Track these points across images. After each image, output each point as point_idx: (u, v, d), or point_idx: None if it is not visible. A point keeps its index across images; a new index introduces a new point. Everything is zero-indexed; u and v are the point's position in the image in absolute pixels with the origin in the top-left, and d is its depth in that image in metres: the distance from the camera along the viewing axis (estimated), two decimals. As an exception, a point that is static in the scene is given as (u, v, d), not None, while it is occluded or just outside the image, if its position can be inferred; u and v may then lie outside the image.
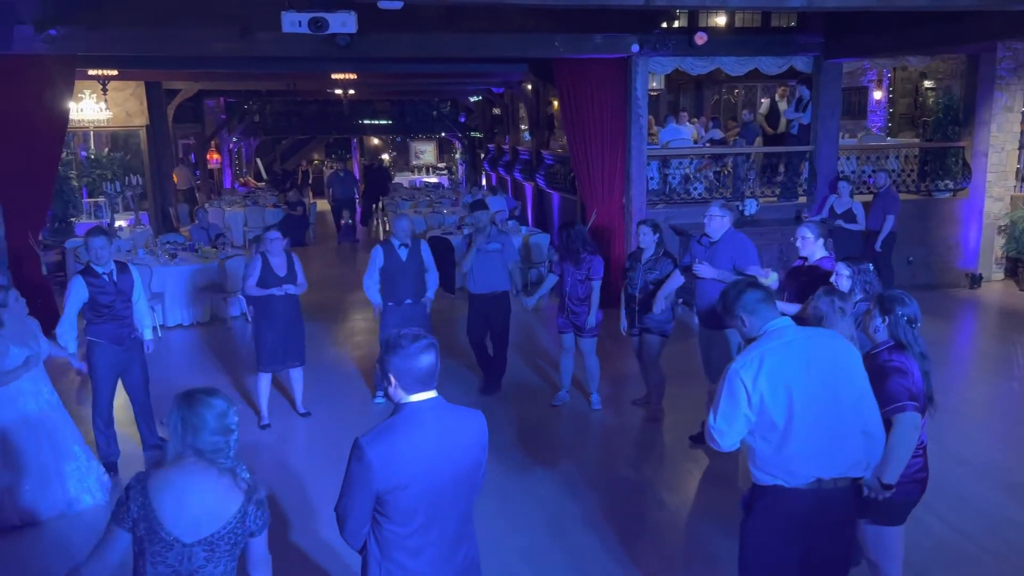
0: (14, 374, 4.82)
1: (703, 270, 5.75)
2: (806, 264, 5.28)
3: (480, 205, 7.30)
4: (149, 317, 6.00)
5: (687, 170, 11.04)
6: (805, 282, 5.04)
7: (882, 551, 3.62)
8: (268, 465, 5.87)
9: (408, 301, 6.83)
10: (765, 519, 3.13)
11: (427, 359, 2.56)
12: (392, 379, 2.57)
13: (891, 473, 3.34)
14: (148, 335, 5.89)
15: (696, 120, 14.82)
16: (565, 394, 6.96)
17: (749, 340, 3.16)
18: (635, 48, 9.55)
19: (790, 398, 2.99)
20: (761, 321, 3.10)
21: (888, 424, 3.30)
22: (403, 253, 6.82)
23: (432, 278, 6.98)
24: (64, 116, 9.27)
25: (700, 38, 9.37)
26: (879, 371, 3.41)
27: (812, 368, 3.03)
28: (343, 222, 17.34)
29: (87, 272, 5.55)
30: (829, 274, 5.01)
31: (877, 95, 15.69)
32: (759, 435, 3.05)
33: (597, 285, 6.49)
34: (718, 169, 11.25)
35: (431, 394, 2.60)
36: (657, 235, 6.25)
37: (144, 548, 2.40)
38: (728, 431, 3.05)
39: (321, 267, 14.07)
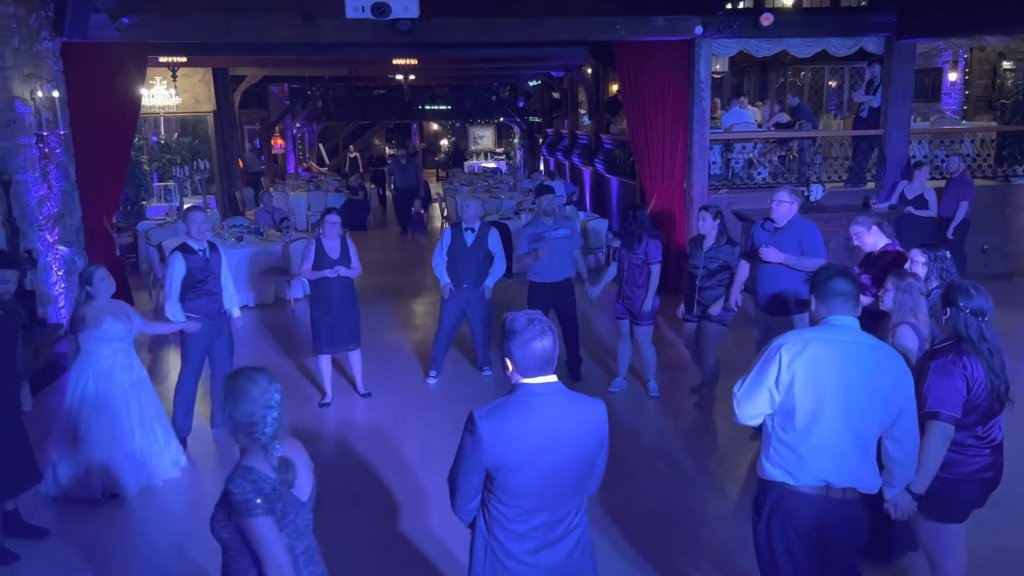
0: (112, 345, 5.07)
1: (771, 254, 5.61)
2: (872, 254, 5.14)
3: (546, 189, 7.26)
4: (235, 295, 6.19)
5: (751, 154, 10.82)
6: (877, 272, 4.91)
7: (939, 547, 3.52)
8: (330, 444, 6.00)
9: (465, 285, 6.90)
10: (772, 520, 3.06)
11: (543, 343, 2.51)
12: (509, 363, 2.56)
13: (919, 482, 3.24)
14: (236, 312, 6.11)
15: (760, 103, 14.51)
16: (622, 380, 6.93)
17: (813, 321, 3.12)
18: (699, 30, 9.38)
19: (820, 392, 2.91)
20: (827, 312, 3.04)
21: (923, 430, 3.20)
22: (469, 238, 6.91)
23: (497, 266, 7.03)
24: (137, 102, 9.55)
25: (766, 19, 9.15)
26: (931, 369, 3.31)
27: (853, 372, 2.93)
28: (413, 210, 16.26)
29: (184, 249, 5.76)
30: (898, 256, 4.88)
31: (952, 77, 15.11)
32: (779, 421, 2.99)
33: (655, 269, 6.40)
34: (783, 153, 11.00)
35: (550, 378, 2.56)
36: (718, 221, 6.13)
37: (281, 521, 2.54)
38: (746, 402, 3.02)
39: (382, 252, 14.27)
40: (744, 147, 10.83)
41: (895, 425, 3.01)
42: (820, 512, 2.97)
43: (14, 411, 4.54)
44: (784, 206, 5.68)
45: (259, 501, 2.43)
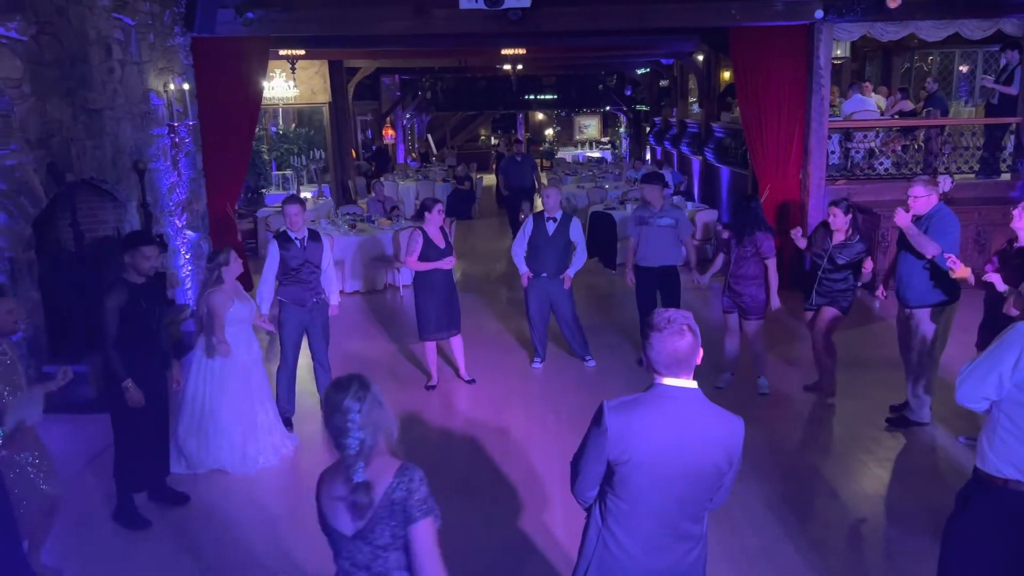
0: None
1: (900, 217, 5.38)
2: (1015, 247, 4.81)
3: (656, 177, 7.19)
4: (336, 283, 6.38)
5: (872, 144, 10.33)
6: (1016, 266, 4.59)
7: None
8: (436, 429, 6.11)
9: (544, 275, 6.91)
10: (984, 516, 2.84)
11: (676, 343, 2.49)
12: (646, 357, 2.57)
13: None
14: (335, 300, 6.29)
15: (882, 90, 13.81)
16: (730, 376, 6.75)
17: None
18: (819, 14, 9.00)
19: None
20: None
21: None
22: (551, 227, 6.91)
23: (579, 256, 7.00)
24: (259, 94, 9.96)
25: (893, 1, 8.67)
26: None
27: None
28: (523, 217, 14.35)
29: (281, 237, 6.00)
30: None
31: (1101, 59, 13.91)
32: (1009, 410, 2.75)
33: (772, 264, 6.25)
34: (907, 143, 10.44)
35: (687, 383, 2.55)
36: (850, 215, 5.88)
37: (328, 540, 2.44)
38: (971, 380, 2.82)
39: (486, 240, 14.41)
40: (865, 136, 10.34)
41: None
42: None
43: (163, 394, 4.86)
44: (920, 200, 5.44)
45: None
